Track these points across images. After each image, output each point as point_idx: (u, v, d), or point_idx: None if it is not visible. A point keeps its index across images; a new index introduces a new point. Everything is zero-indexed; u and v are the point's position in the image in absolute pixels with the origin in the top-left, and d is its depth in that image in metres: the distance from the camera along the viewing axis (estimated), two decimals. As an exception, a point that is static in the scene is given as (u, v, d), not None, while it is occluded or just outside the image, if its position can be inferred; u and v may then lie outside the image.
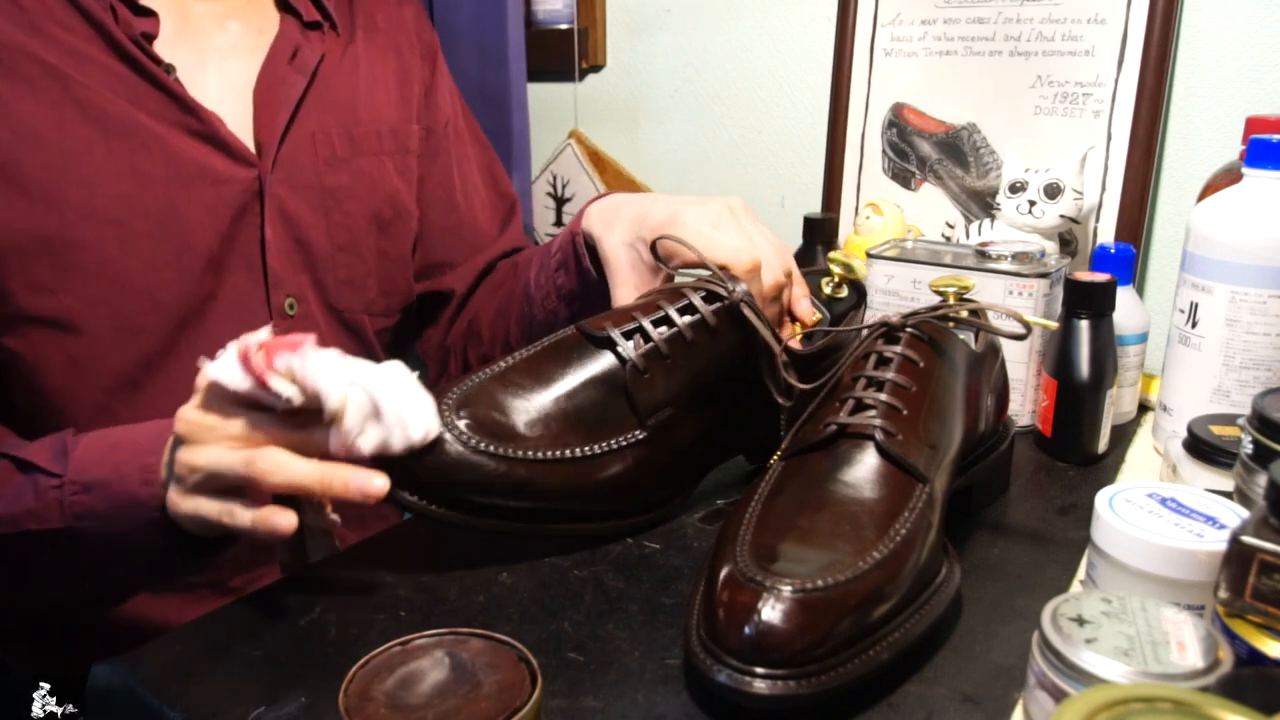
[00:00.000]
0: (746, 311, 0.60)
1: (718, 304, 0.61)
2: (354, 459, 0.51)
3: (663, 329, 0.60)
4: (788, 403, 0.63)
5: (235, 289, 0.72)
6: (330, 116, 0.77)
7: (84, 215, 0.65)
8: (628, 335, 0.59)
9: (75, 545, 0.58)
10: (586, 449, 0.57)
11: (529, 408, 0.57)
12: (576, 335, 0.61)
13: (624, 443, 0.59)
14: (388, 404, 0.51)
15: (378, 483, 0.51)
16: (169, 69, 0.69)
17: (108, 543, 0.57)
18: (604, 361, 0.59)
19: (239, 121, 0.72)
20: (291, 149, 0.74)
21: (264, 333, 0.52)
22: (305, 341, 0.51)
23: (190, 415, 0.52)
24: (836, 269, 0.73)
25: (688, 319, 0.60)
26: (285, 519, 0.51)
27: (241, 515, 0.52)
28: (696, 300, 0.60)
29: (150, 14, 0.69)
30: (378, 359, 0.82)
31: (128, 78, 0.67)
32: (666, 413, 0.59)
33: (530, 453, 0.56)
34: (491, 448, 0.54)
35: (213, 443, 0.52)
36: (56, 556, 0.58)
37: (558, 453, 0.57)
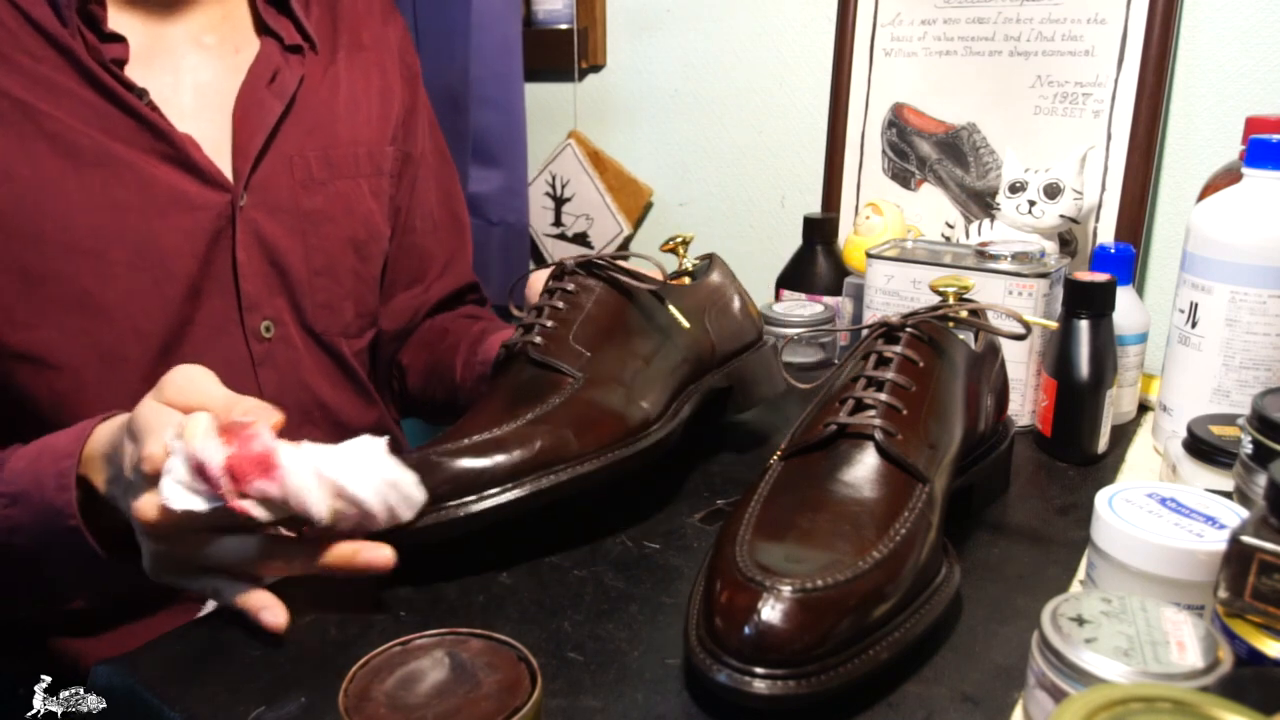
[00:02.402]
0: (577, 257, 0.67)
1: (563, 274, 0.68)
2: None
3: (539, 315, 0.66)
4: (653, 286, 0.67)
5: (211, 314, 0.72)
6: (308, 140, 0.76)
7: (60, 249, 0.64)
8: (520, 335, 0.65)
9: (8, 558, 0.57)
10: (540, 409, 0.59)
11: (478, 421, 0.59)
12: (490, 377, 0.67)
13: (571, 389, 0.61)
14: (373, 499, 0.50)
15: (385, 554, 0.51)
16: (141, 93, 0.67)
17: (37, 556, 0.56)
18: (516, 363, 0.64)
19: (215, 144, 0.71)
20: (267, 172, 0.73)
21: (206, 428, 0.47)
22: (270, 452, 0.48)
23: (148, 514, 0.49)
24: (676, 240, 0.77)
25: (551, 297, 0.66)
26: (276, 618, 0.51)
27: (227, 596, 0.52)
28: (549, 284, 0.68)
29: (119, 39, 0.68)
30: (358, 381, 0.83)
31: (99, 105, 0.66)
32: (588, 356, 0.63)
33: (493, 430, 0.57)
34: (451, 444, 0.56)
35: (195, 570, 0.52)
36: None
37: (516, 423, 0.58)
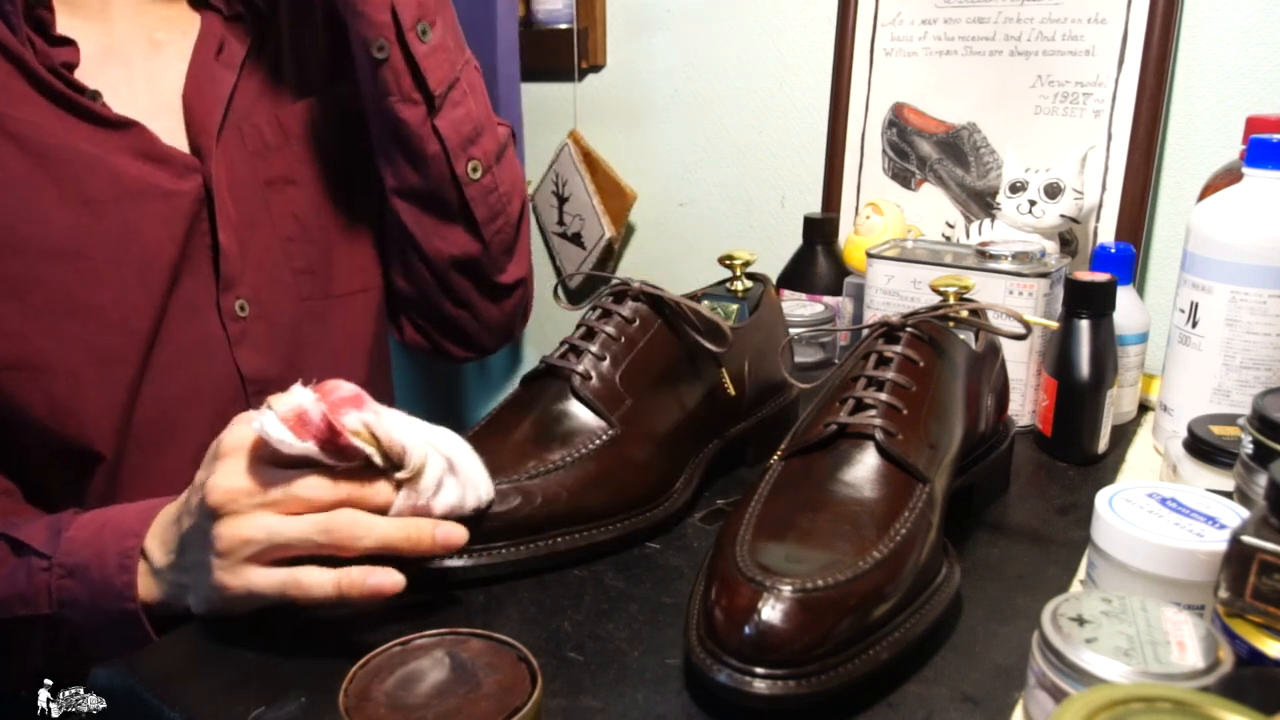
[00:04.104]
0: (648, 288, 0.65)
1: (624, 297, 0.65)
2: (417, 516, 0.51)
3: (589, 339, 0.63)
4: (718, 348, 0.64)
5: (192, 298, 0.70)
6: (258, 104, 0.75)
7: (41, 253, 0.63)
8: (563, 357, 0.63)
9: (58, 630, 0.56)
10: (568, 455, 0.59)
11: (504, 447, 0.59)
12: (521, 388, 0.64)
13: (602, 440, 0.60)
14: (460, 463, 0.52)
15: (460, 532, 0.50)
16: (94, 95, 0.66)
17: (85, 630, 0.56)
18: (555, 388, 0.62)
19: (178, 131, 0.70)
20: (225, 146, 0.72)
21: (305, 393, 0.49)
22: (363, 396, 0.49)
23: (223, 483, 0.49)
24: (737, 261, 0.74)
25: (607, 321, 0.64)
26: (391, 578, 0.48)
27: (315, 583, 0.49)
28: (607, 304, 0.65)
29: (68, 42, 0.67)
30: (356, 352, 0.81)
31: (54, 111, 0.65)
32: (629, 403, 0.62)
33: (518, 476, 0.57)
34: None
35: (257, 510, 0.49)
36: (41, 641, 0.57)
37: (544, 465, 0.58)
